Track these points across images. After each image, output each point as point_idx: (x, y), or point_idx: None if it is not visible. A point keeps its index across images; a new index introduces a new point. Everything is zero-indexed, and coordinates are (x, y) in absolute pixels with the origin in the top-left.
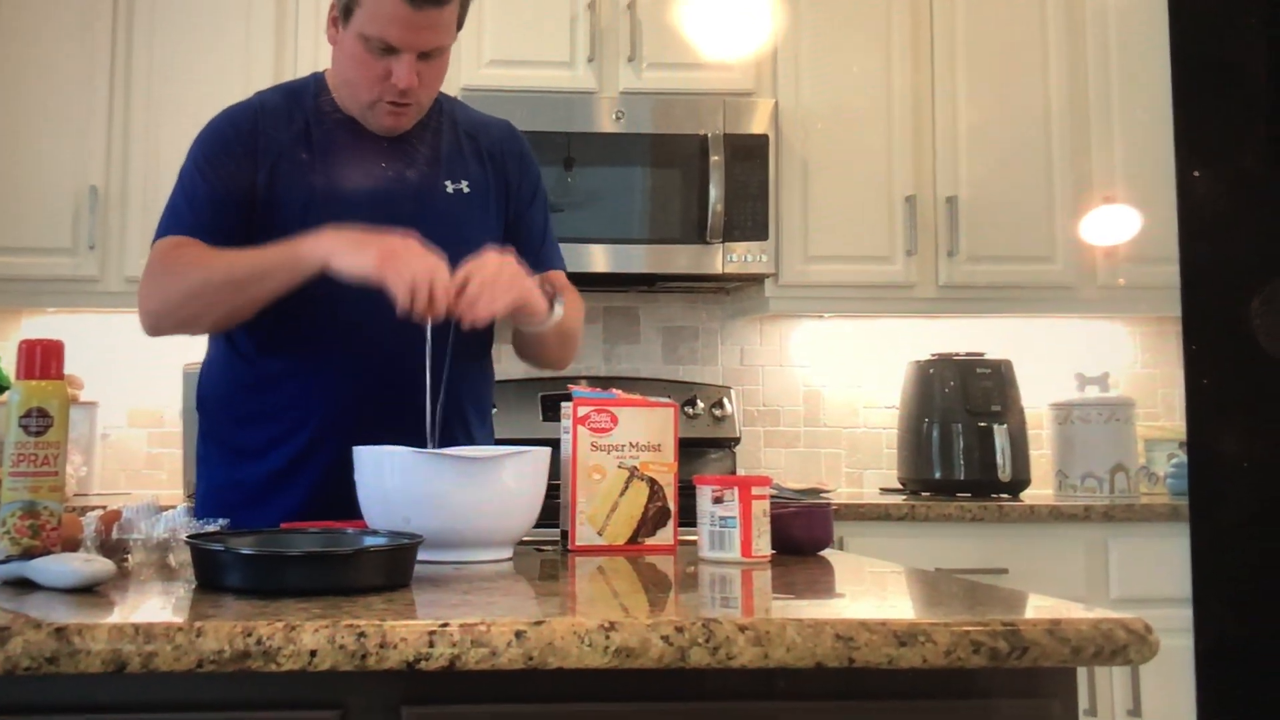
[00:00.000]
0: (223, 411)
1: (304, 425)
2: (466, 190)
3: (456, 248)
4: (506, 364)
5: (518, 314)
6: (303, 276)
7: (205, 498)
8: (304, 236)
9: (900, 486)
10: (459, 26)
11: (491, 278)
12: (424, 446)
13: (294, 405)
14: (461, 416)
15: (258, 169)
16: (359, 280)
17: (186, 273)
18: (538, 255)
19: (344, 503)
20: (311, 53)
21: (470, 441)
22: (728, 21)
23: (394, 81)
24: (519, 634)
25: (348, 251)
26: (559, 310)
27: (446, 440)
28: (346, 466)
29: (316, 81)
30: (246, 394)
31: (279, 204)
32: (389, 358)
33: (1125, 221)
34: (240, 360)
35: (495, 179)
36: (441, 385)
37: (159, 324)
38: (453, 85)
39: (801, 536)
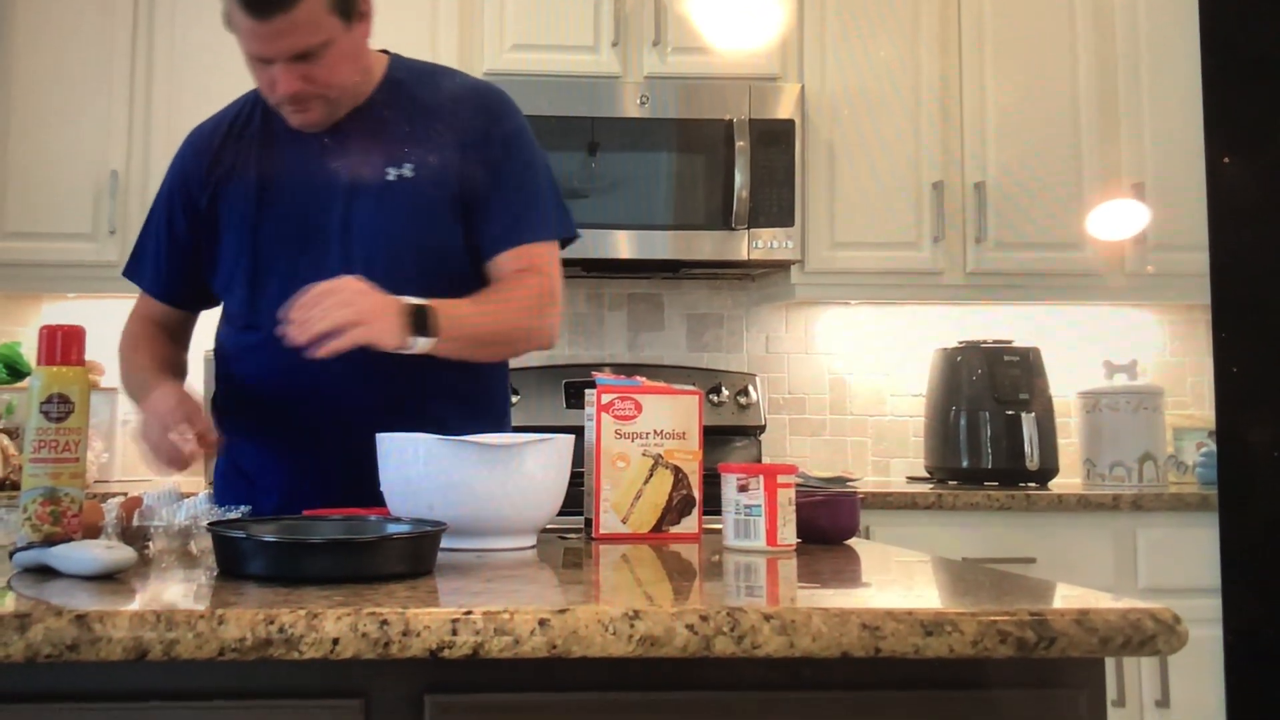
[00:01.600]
0: (226, 393)
1: (269, 432)
2: (410, 174)
3: (399, 237)
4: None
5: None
6: None
7: (220, 475)
8: (144, 409)
9: (927, 475)
10: (344, 15)
11: (316, 312)
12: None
13: (256, 414)
14: (439, 411)
15: (202, 194)
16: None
17: (125, 382)
18: (506, 226)
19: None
20: None
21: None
22: (753, 5)
23: (276, 89)
24: (542, 622)
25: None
26: (419, 344)
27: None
28: (322, 469)
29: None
30: (226, 404)
31: (221, 220)
32: (334, 375)
33: (1153, 209)
34: (218, 364)
35: (451, 152)
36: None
37: None
38: (475, 70)
39: (827, 525)
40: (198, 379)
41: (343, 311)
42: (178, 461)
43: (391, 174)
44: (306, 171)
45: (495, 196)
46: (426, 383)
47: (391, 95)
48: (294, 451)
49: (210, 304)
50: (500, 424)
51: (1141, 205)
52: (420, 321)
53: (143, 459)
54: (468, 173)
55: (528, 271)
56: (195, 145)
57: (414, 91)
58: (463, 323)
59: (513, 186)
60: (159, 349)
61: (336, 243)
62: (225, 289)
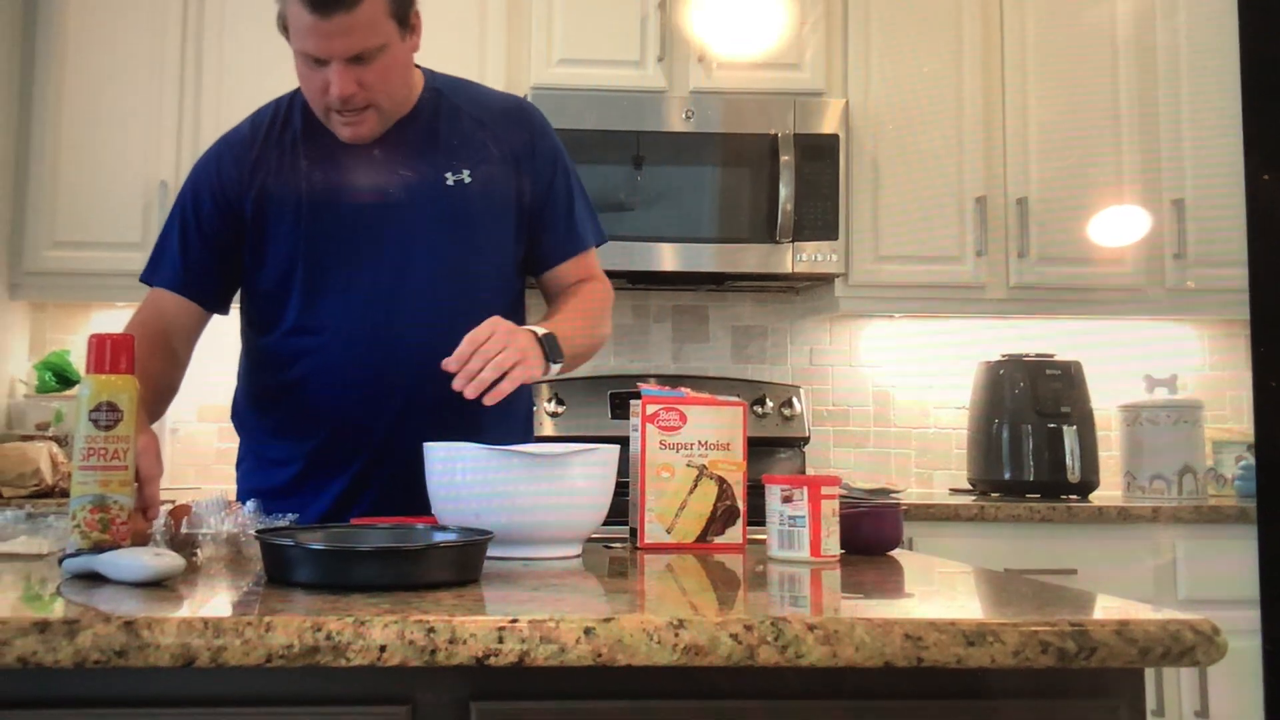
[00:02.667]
0: (251, 421)
1: (315, 434)
2: (468, 180)
3: (462, 241)
4: None
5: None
6: None
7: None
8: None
9: (970, 487)
10: (400, 20)
11: (476, 366)
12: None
13: (304, 414)
14: (475, 418)
15: (244, 198)
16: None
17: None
18: (564, 236)
19: (365, 505)
20: None
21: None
22: (797, 21)
23: (331, 92)
24: (588, 631)
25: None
26: (553, 370)
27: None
28: (364, 471)
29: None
30: (266, 407)
31: (268, 225)
32: (391, 378)
33: (1193, 224)
34: (258, 371)
35: (502, 164)
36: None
37: None
38: (522, 84)
39: (870, 536)
40: None
41: (505, 355)
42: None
43: (450, 179)
44: (359, 177)
45: (548, 208)
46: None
47: (436, 106)
48: (341, 452)
49: (224, 308)
50: (527, 429)
51: (1182, 220)
52: (550, 348)
53: None
54: (521, 182)
55: (589, 280)
56: (231, 150)
57: (456, 102)
58: (570, 342)
59: (563, 197)
60: (155, 367)
61: (395, 247)
62: (272, 294)
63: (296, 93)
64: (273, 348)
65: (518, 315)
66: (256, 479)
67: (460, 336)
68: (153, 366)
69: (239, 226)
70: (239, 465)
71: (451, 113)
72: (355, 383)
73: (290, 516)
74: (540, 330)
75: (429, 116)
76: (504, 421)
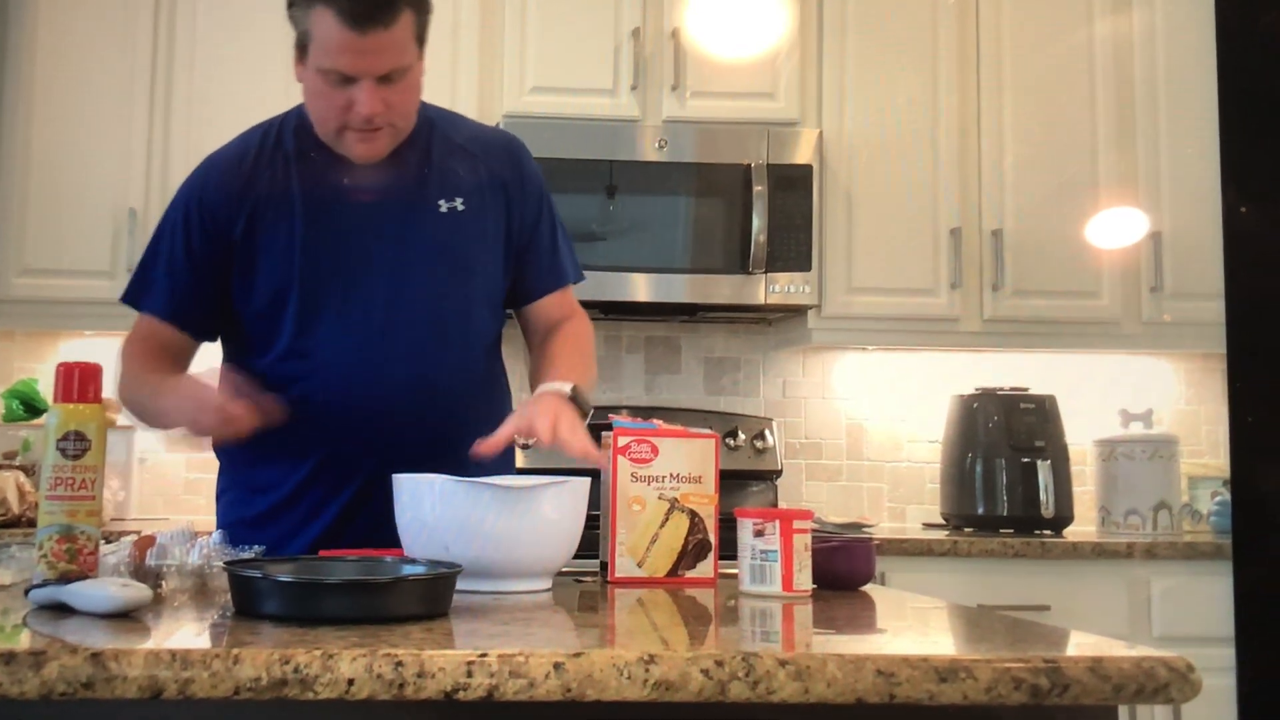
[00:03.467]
0: (236, 449)
1: (305, 460)
2: (461, 208)
3: (454, 267)
4: None
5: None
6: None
7: (231, 497)
8: (167, 401)
9: (943, 522)
10: (421, 43)
11: (564, 437)
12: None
13: (294, 440)
14: (469, 446)
15: (234, 219)
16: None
17: (128, 387)
18: (548, 271)
19: (355, 534)
20: None
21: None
22: (771, 51)
23: (357, 110)
24: (557, 665)
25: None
26: (589, 412)
27: (457, 469)
28: (355, 500)
29: (298, 114)
30: (254, 433)
31: (260, 247)
32: (385, 402)
33: (1170, 258)
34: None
35: (492, 194)
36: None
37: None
38: (495, 112)
39: (843, 571)
40: None
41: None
42: (229, 420)
43: (443, 206)
44: (353, 201)
45: (534, 242)
46: (465, 418)
47: (429, 134)
48: (329, 475)
49: (213, 335)
50: (510, 461)
51: (1159, 254)
52: (581, 401)
53: (180, 438)
54: (510, 215)
55: (573, 318)
56: (219, 171)
57: (447, 133)
58: (590, 389)
59: (547, 233)
60: (166, 367)
61: (389, 270)
62: (263, 317)
63: (286, 115)
64: (263, 371)
65: (497, 348)
66: (241, 509)
67: (452, 362)
68: (167, 368)
69: (228, 248)
70: (220, 497)
71: (444, 142)
72: (349, 408)
73: (258, 548)
74: (565, 388)
75: (423, 144)
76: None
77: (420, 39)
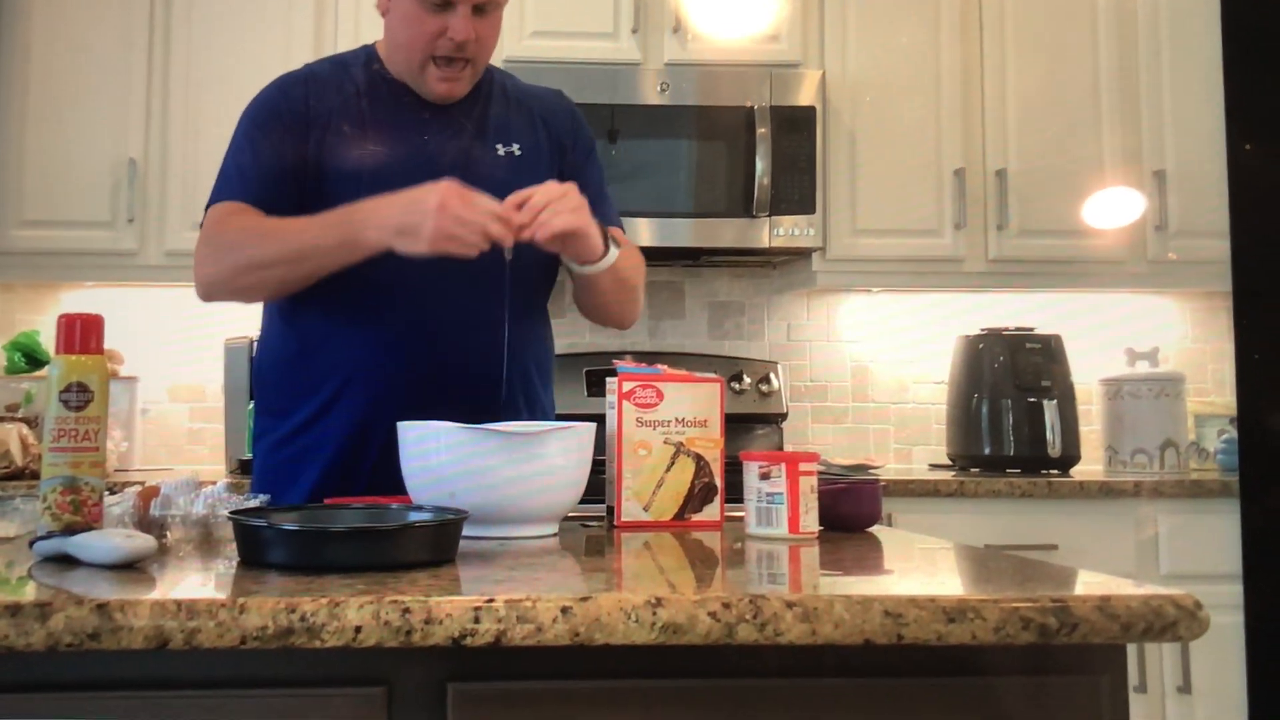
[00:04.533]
0: (275, 384)
1: (351, 396)
2: (519, 153)
3: None
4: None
5: (573, 246)
6: (365, 254)
7: (261, 474)
8: (358, 208)
9: (949, 462)
10: None
11: (556, 198)
12: (476, 418)
13: (341, 375)
14: (526, 378)
15: (308, 136)
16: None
17: (243, 244)
18: (598, 214)
19: (398, 476)
20: (352, 25)
21: (533, 406)
22: None
23: (450, 35)
24: (565, 610)
25: (401, 235)
26: (614, 252)
27: (510, 404)
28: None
29: (367, 52)
30: (297, 366)
31: (327, 172)
32: (442, 325)
33: (1175, 196)
34: (291, 332)
35: (548, 142)
36: (506, 314)
37: (212, 293)
38: (496, 57)
39: (849, 513)
40: (217, 370)
41: (577, 218)
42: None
43: (500, 150)
44: (418, 138)
45: (585, 190)
46: (511, 350)
47: (490, 85)
48: (393, 348)
49: None
50: (553, 403)
51: (1163, 192)
52: (608, 238)
53: (447, 232)
54: (563, 165)
55: (625, 243)
56: (289, 84)
57: (504, 82)
58: (624, 259)
59: (597, 182)
60: None
61: None
62: None
63: (355, 52)
64: (327, 298)
65: (551, 282)
66: (275, 448)
67: (505, 297)
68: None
69: (302, 159)
70: (258, 441)
71: (501, 93)
72: (406, 340)
73: (262, 497)
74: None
75: (485, 93)
76: (546, 392)
77: None
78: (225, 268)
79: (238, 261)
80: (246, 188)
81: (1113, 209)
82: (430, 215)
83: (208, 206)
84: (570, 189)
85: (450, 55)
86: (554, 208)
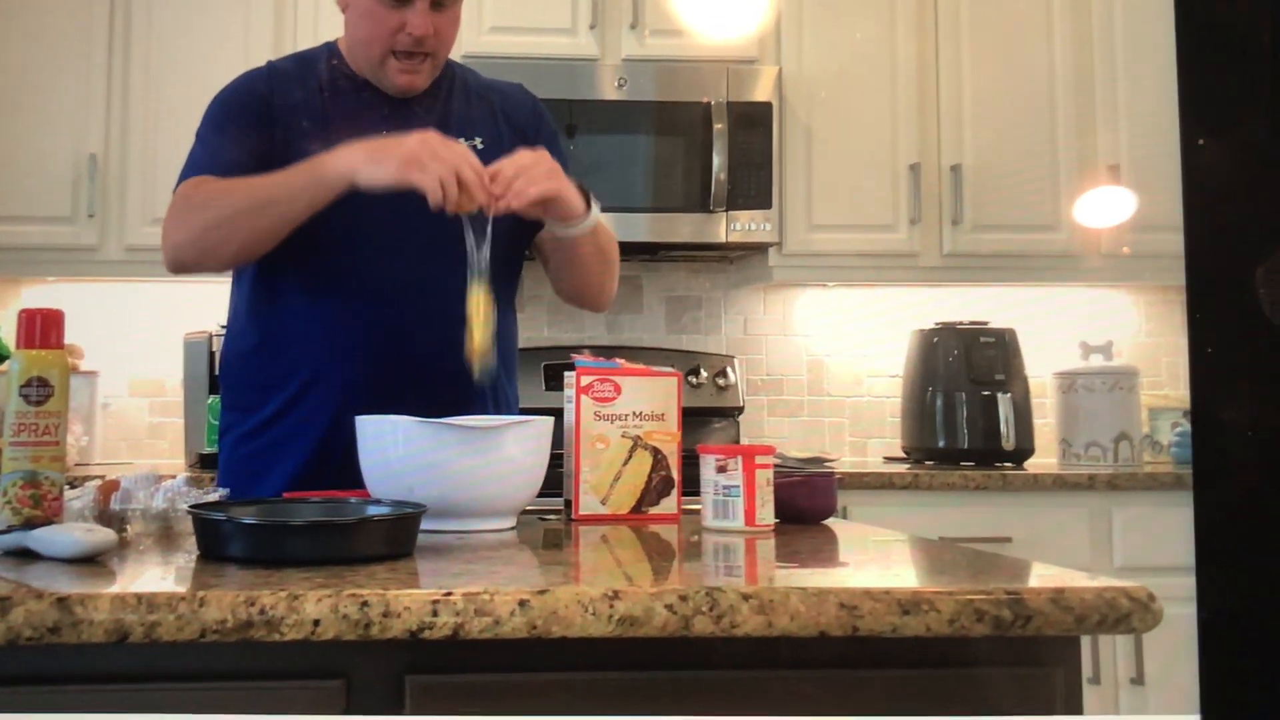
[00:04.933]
0: (240, 378)
1: (316, 390)
2: (480, 146)
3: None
4: None
5: (554, 209)
6: (328, 196)
7: (225, 468)
8: (324, 154)
9: (904, 455)
10: None
11: (528, 166)
12: (443, 410)
13: (307, 369)
14: (492, 372)
15: (272, 131)
16: (387, 189)
17: (208, 202)
18: None
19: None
20: (311, 20)
21: (499, 399)
22: None
23: (408, 30)
24: (522, 603)
25: (369, 163)
26: (596, 208)
27: (476, 397)
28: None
29: (329, 48)
30: (261, 360)
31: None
32: (406, 317)
33: (1129, 191)
34: (255, 326)
35: (510, 134)
36: (479, 276)
37: (180, 256)
38: (455, 52)
39: (805, 505)
40: (177, 365)
41: (552, 182)
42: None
43: (463, 143)
44: (376, 133)
45: None
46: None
47: (449, 78)
48: (333, 390)
49: None
50: (516, 395)
51: (1117, 187)
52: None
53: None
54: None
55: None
56: (253, 79)
57: (464, 77)
58: (602, 235)
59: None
60: None
61: (410, 206)
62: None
63: (316, 50)
64: (291, 289)
65: (517, 275)
66: (243, 443)
67: (464, 287)
68: None
69: (268, 150)
70: (223, 436)
71: (463, 87)
72: (370, 332)
73: (221, 491)
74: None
75: (445, 87)
76: (511, 387)
77: None
78: (192, 227)
79: (204, 219)
80: (215, 166)
81: (1067, 204)
82: (406, 144)
83: (176, 187)
84: (542, 155)
85: (409, 50)
86: (528, 175)
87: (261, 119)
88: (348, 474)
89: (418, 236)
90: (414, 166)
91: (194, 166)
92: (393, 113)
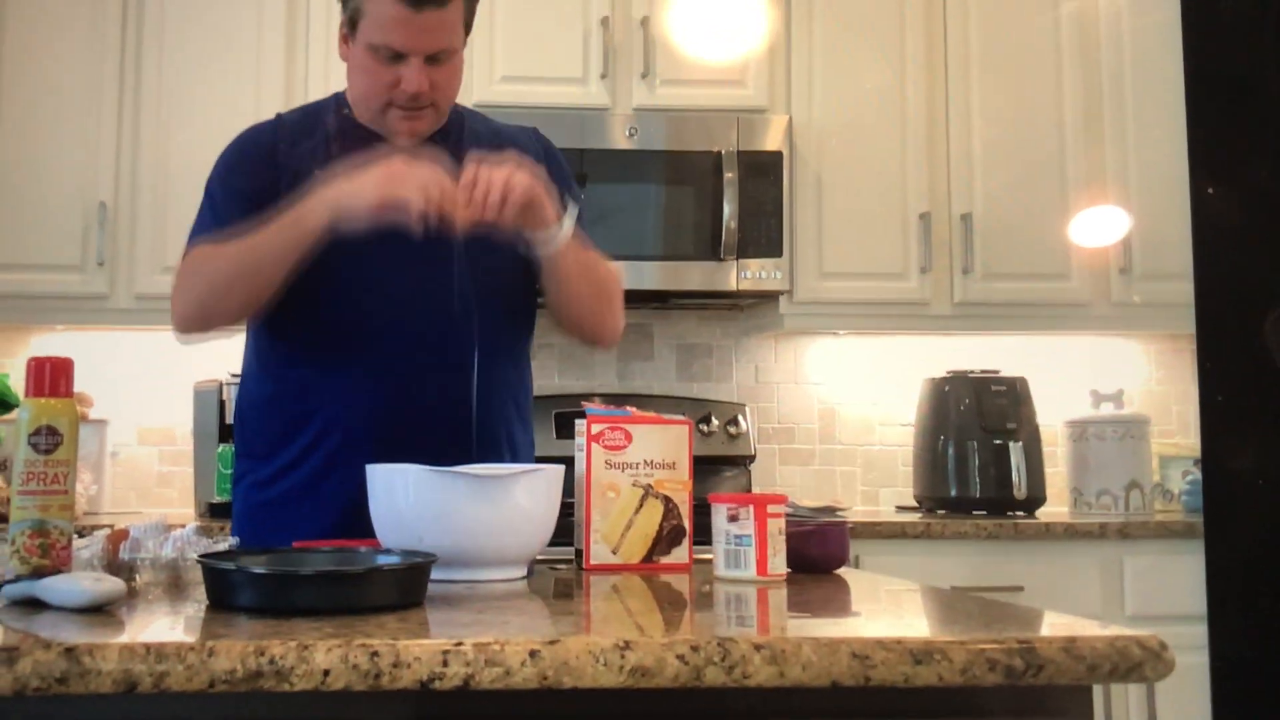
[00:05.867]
0: (254, 428)
1: (329, 439)
2: None
3: (483, 247)
4: None
5: (530, 216)
6: (313, 239)
7: (240, 517)
8: (303, 200)
9: (916, 504)
10: (467, 29)
11: (502, 173)
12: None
13: (319, 419)
14: (505, 419)
15: (279, 183)
16: (374, 226)
17: (202, 269)
18: None
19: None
20: (322, 68)
21: (514, 448)
22: (741, 37)
23: (404, 87)
24: (533, 653)
25: (347, 196)
26: (569, 218)
27: (491, 445)
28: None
29: (336, 99)
30: (274, 410)
31: None
32: (415, 367)
33: (1139, 239)
34: (267, 375)
35: None
36: (473, 309)
37: (186, 325)
38: (464, 101)
39: (817, 555)
40: (186, 413)
41: (523, 188)
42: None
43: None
44: None
45: None
46: (487, 393)
47: (459, 124)
48: (364, 388)
49: None
50: (531, 443)
51: (1127, 236)
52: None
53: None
54: None
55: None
56: (259, 136)
57: (475, 125)
58: (602, 266)
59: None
60: None
61: (421, 253)
62: (298, 287)
63: (325, 101)
64: (297, 345)
65: (529, 326)
66: (255, 493)
67: (477, 334)
68: None
69: (276, 199)
70: (237, 484)
71: (473, 133)
72: (375, 389)
73: (231, 540)
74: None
75: (455, 133)
76: (525, 434)
77: (468, 24)
78: (192, 295)
79: (201, 286)
80: (219, 229)
81: (1077, 252)
82: (376, 169)
83: (184, 254)
84: (519, 161)
85: (407, 104)
86: (505, 184)
87: (267, 173)
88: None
89: (419, 285)
90: (392, 182)
91: (200, 230)
92: (405, 153)
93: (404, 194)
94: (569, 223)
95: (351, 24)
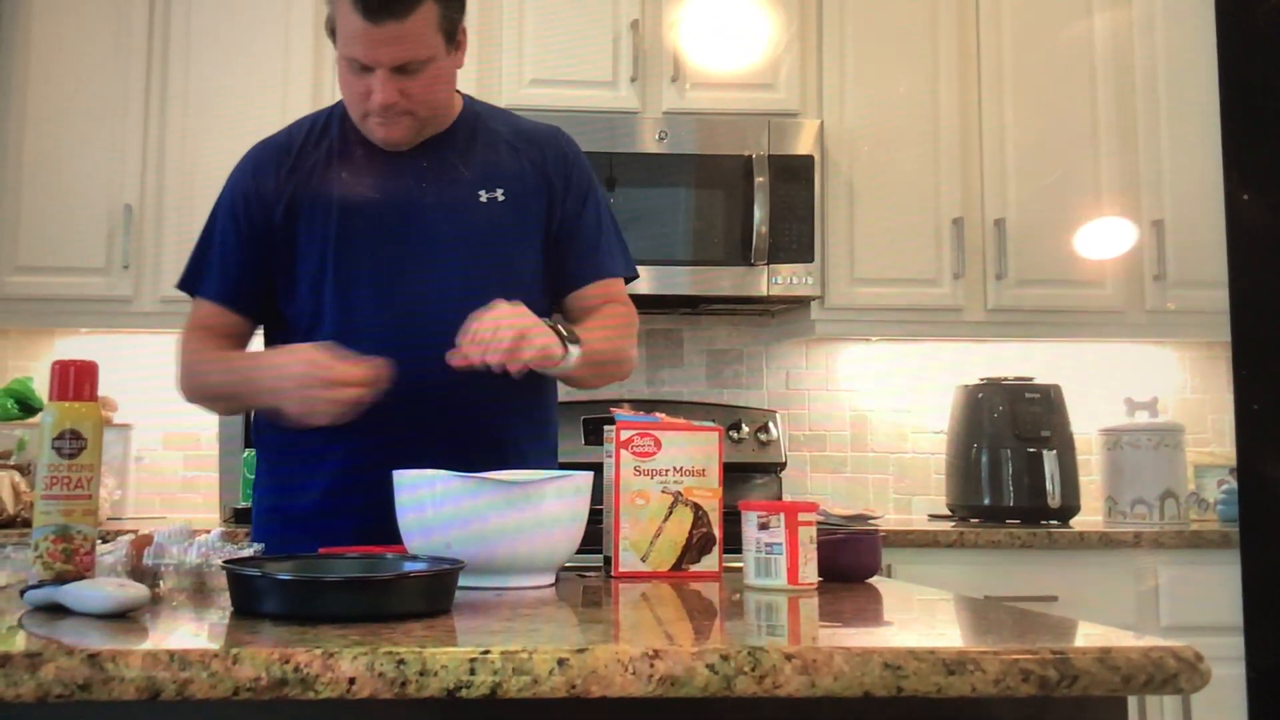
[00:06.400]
0: (272, 438)
1: (342, 452)
2: (501, 199)
3: (493, 258)
4: None
5: (537, 364)
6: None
7: (257, 524)
8: (256, 366)
9: (949, 513)
10: (449, 36)
11: (496, 327)
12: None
13: (333, 432)
14: (512, 433)
15: (276, 205)
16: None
17: (195, 371)
18: (590, 260)
19: (392, 530)
20: None
21: (521, 459)
22: (771, 41)
23: (372, 99)
24: (561, 662)
25: (277, 403)
26: (574, 353)
27: (497, 458)
28: (390, 492)
29: (342, 108)
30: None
31: (298, 233)
32: (417, 387)
33: (1173, 245)
34: None
35: (535, 185)
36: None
37: (188, 400)
38: (495, 104)
39: (849, 564)
40: (211, 418)
41: (518, 335)
42: (344, 384)
43: (483, 196)
44: (392, 190)
45: (578, 233)
46: (506, 410)
47: (473, 127)
48: (370, 470)
49: (267, 318)
50: (554, 451)
51: (1161, 242)
52: (563, 332)
53: (300, 410)
54: (553, 206)
55: (612, 301)
56: (263, 158)
57: (492, 125)
58: (589, 341)
59: (591, 224)
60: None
61: (425, 261)
62: (304, 302)
63: (336, 106)
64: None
65: None
66: (271, 502)
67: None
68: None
69: (272, 232)
70: (257, 485)
71: (489, 135)
72: (386, 399)
73: (256, 547)
74: (549, 321)
75: (466, 136)
76: (538, 444)
77: (448, 32)
78: (188, 387)
79: (194, 387)
80: (214, 283)
81: (1111, 258)
82: (290, 391)
83: (182, 282)
84: (510, 314)
85: (378, 115)
86: (498, 339)
87: (267, 198)
88: (392, 529)
89: (422, 307)
90: (305, 416)
91: (197, 273)
92: (416, 162)
93: (319, 413)
94: (573, 356)
95: (331, 34)
